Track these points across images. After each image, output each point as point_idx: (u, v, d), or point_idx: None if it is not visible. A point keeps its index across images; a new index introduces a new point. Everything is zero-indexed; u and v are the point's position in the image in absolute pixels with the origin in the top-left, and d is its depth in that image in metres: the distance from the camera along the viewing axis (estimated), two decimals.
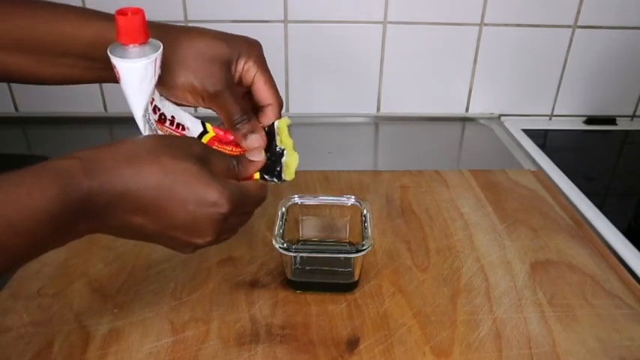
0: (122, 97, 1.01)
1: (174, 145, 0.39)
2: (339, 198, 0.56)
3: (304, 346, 0.47)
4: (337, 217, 0.57)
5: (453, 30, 0.89)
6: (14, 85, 0.91)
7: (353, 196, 0.56)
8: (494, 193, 0.71)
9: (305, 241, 0.58)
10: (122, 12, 0.39)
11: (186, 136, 0.45)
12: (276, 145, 0.48)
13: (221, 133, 0.48)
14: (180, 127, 0.45)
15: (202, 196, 0.38)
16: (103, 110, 0.94)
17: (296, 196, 0.56)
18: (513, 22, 0.89)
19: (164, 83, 0.44)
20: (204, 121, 0.47)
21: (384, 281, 0.54)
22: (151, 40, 0.41)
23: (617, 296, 0.53)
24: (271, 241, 0.50)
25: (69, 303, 0.51)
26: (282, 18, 0.87)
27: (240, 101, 0.46)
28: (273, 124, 0.48)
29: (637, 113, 0.98)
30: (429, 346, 0.47)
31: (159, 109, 0.44)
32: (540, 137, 0.91)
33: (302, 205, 0.56)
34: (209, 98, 0.45)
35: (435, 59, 0.92)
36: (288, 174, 0.48)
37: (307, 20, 0.87)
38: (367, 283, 0.54)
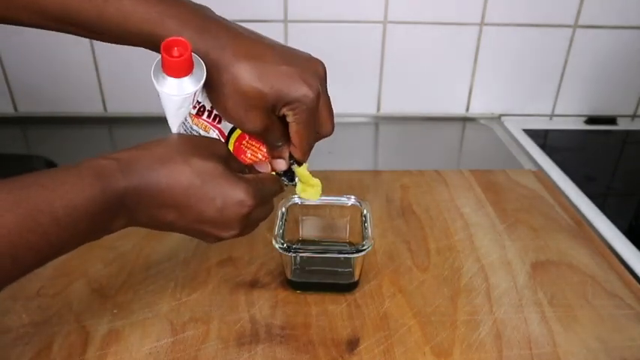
0: (122, 97, 1.00)
1: (201, 146, 0.42)
2: (339, 198, 0.56)
3: (304, 346, 0.47)
4: (337, 217, 0.57)
5: (453, 30, 0.89)
6: (13, 85, 0.91)
7: (353, 196, 0.56)
8: (494, 193, 0.71)
9: (305, 241, 0.58)
10: (168, 47, 0.40)
11: (210, 138, 0.45)
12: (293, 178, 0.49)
13: None
14: (217, 120, 0.45)
15: (230, 194, 0.40)
16: (103, 110, 0.94)
17: (296, 196, 0.55)
18: (513, 22, 0.89)
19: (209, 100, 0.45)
20: None
21: (384, 281, 0.54)
22: (195, 68, 0.41)
23: (618, 296, 0.53)
24: (271, 241, 0.50)
25: (68, 303, 0.51)
26: (282, 18, 0.87)
27: (278, 129, 0.45)
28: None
29: (637, 113, 0.98)
30: (429, 346, 0.47)
31: (199, 102, 0.45)
32: (541, 137, 0.91)
33: (302, 205, 0.56)
34: (249, 133, 0.46)
35: (435, 59, 0.92)
36: (302, 192, 0.50)
37: (307, 20, 0.87)
38: (367, 283, 0.54)
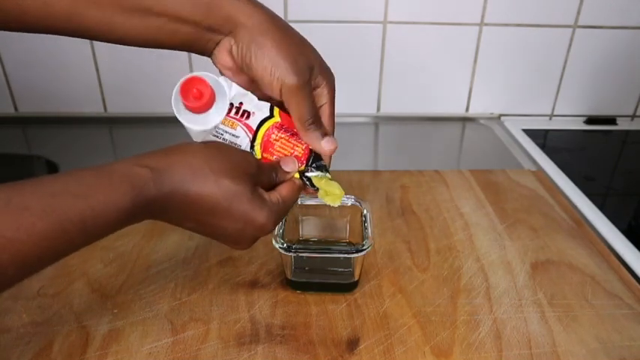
0: (122, 98, 0.99)
1: (234, 164, 0.42)
2: None
3: (304, 346, 0.47)
4: (337, 217, 0.57)
5: (453, 30, 0.89)
6: (14, 85, 0.91)
7: (353, 196, 0.56)
8: (494, 193, 0.71)
9: (305, 241, 0.58)
10: (186, 87, 0.41)
11: (242, 152, 0.45)
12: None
13: (288, 119, 0.47)
14: (245, 115, 0.45)
15: (252, 219, 0.42)
16: (103, 110, 0.94)
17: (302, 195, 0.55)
18: (513, 22, 0.89)
19: (248, 61, 0.44)
20: (273, 105, 0.47)
21: (384, 281, 0.54)
22: (217, 99, 0.42)
23: (618, 296, 0.53)
24: (271, 241, 0.50)
25: (69, 303, 0.51)
26: (282, 18, 0.86)
27: (312, 91, 0.46)
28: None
29: (637, 113, 0.98)
30: (429, 346, 0.47)
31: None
32: (540, 137, 0.91)
33: (302, 205, 0.56)
34: (290, 89, 0.44)
35: (435, 59, 0.92)
36: (324, 197, 0.49)
37: (307, 20, 0.87)
38: (367, 283, 0.54)
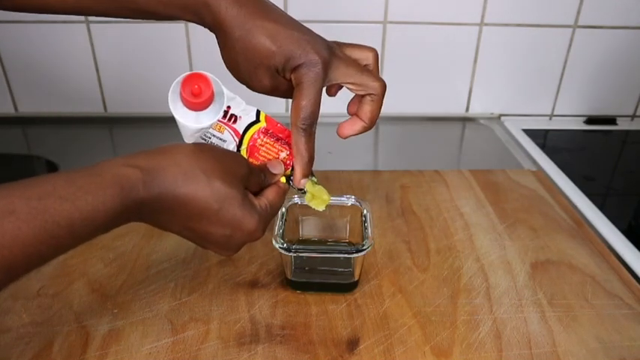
0: (122, 97, 0.99)
1: (226, 166, 0.42)
2: (339, 198, 0.56)
3: (304, 346, 0.47)
4: (337, 217, 0.57)
5: (453, 30, 0.89)
6: (14, 85, 0.91)
7: (353, 196, 0.56)
8: (494, 193, 0.71)
9: (305, 241, 0.58)
10: (188, 82, 0.41)
11: (234, 155, 0.45)
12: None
13: (274, 124, 0.47)
14: (233, 119, 0.46)
15: (241, 226, 0.41)
16: (103, 110, 0.94)
17: (296, 196, 0.56)
18: (513, 22, 0.89)
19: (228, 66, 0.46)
20: (259, 110, 0.47)
21: (384, 281, 0.54)
22: (214, 100, 0.42)
23: (618, 296, 0.53)
24: (271, 241, 0.50)
25: (69, 303, 0.51)
26: None
27: (286, 91, 0.46)
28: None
29: (637, 113, 0.99)
30: (429, 346, 0.47)
31: None
32: (540, 137, 0.91)
33: (302, 205, 0.56)
34: (255, 91, 0.46)
35: (435, 59, 0.92)
36: (309, 201, 0.50)
37: (307, 20, 0.86)
38: (367, 283, 0.54)
